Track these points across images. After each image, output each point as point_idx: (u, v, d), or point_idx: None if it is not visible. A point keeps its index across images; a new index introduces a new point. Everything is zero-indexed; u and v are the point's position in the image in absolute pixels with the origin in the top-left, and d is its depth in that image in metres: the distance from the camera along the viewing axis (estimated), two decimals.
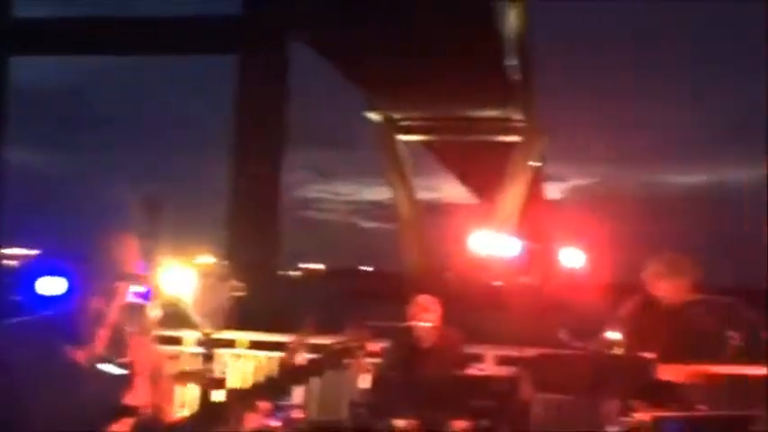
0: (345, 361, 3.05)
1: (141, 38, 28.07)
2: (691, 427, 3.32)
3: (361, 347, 3.10)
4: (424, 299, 5.37)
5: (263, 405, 2.96)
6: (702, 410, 3.41)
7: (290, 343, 3.11)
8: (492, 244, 5.14)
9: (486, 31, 34.72)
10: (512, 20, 43.27)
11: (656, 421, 3.45)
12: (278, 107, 27.80)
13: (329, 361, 3.03)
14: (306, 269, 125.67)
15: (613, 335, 3.80)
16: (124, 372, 2.29)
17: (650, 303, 4.32)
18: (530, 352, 5.08)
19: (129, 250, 2.34)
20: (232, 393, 3.03)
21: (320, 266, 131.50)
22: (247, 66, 27.24)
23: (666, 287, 4.29)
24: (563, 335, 3.95)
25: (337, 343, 3.06)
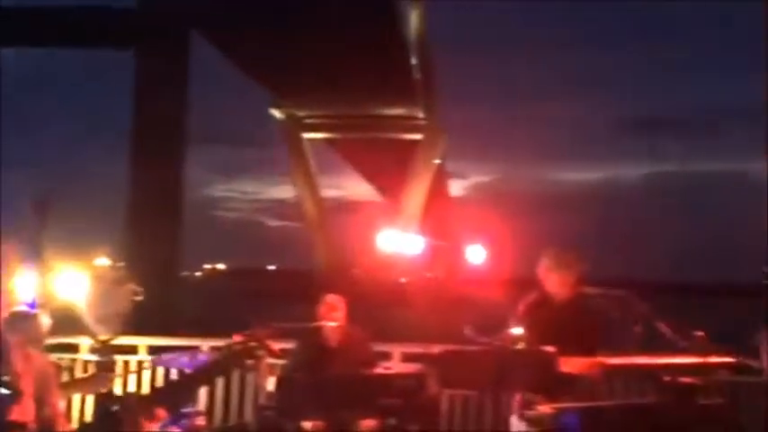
0: (248, 361, 2.95)
1: (35, 29, 26.74)
2: (589, 417, 3.42)
3: (263, 347, 3.00)
4: (331, 298, 5.32)
5: (161, 412, 2.83)
6: (601, 401, 3.52)
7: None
8: (398, 242, 5.15)
9: (388, 30, 34.93)
10: (413, 20, 43.77)
11: (557, 413, 3.54)
12: (179, 104, 27.08)
13: (230, 361, 2.93)
14: (209, 269, 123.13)
15: (517, 330, 3.87)
16: (6, 392, 2.13)
17: (546, 298, 4.43)
18: (435, 349, 5.12)
19: (6, 257, 2.17)
20: (129, 401, 2.89)
21: (222, 266, 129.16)
22: (146, 61, 26.38)
23: (554, 280, 4.41)
24: (468, 331, 4.00)
25: (237, 343, 2.96)
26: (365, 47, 33.06)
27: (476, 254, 4.94)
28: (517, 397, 3.88)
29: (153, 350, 6.71)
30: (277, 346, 4.69)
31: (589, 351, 3.99)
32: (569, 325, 4.18)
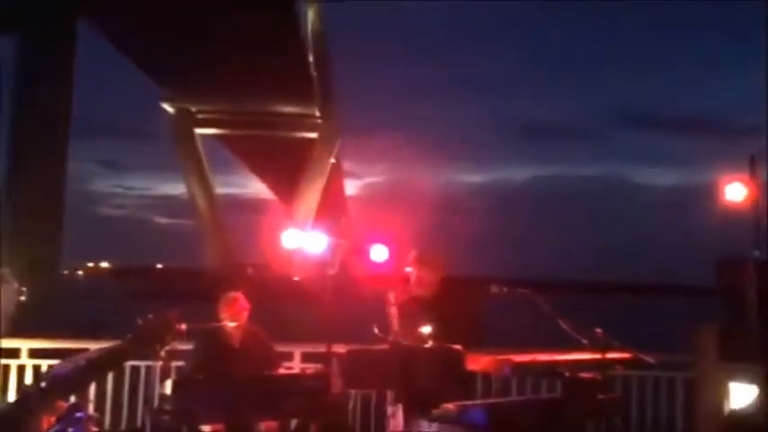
0: (156, 347, 2.75)
1: None
2: (496, 413, 3.46)
3: (172, 331, 2.81)
4: (232, 296, 5.17)
5: (61, 404, 2.66)
6: (507, 397, 3.56)
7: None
8: (301, 239, 5.07)
9: (286, 26, 34.60)
10: (311, 17, 43.56)
11: (462, 410, 3.56)
12: (62, 95, 25.79)
13: (136, 346, 2.73)
14: (91, 268, 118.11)
15: (425, 328, 3.88)
16: None
17: (415, 294, 4.47)
18: (339, 348, 5.07)
19: None
20: (27, 394, 2.67)
21: (106, 265, 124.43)
22: (26, 49, 24.93)
23: (418, 277, 4.47)
24: (377, 330, 3.98)
25: (143, 327, 2.76)
26: (261, 41, 32.61)
27: (378, 252, 4.91)
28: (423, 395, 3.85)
29: (35, 353, 6.33)
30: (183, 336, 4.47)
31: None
32: (437, 320, 4.17)
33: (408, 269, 4.54)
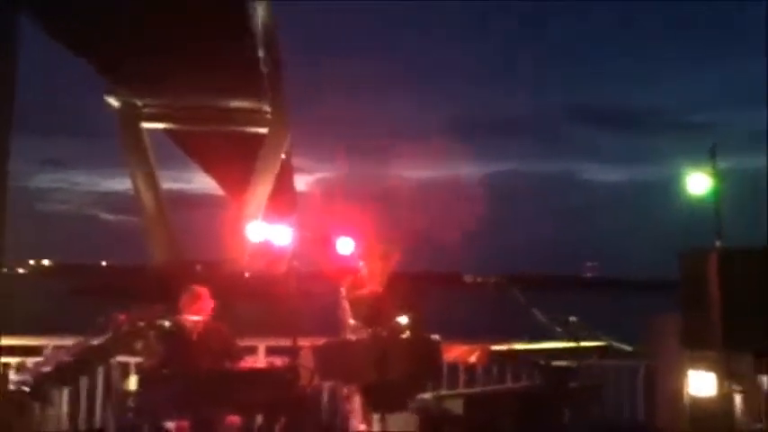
0: (137, 344, 2.68)
1: None
2: (472, 402, 3.45)
3: (153, 327, 2.73)
4: (196, 291, 5.04)
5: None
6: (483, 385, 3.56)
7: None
8: (266, 232, 4.98)
9: (235, 21, 34.13)
10: (261, 12, 43.07)
11: (439, 399, 3.54)
12: (3, 92, 24.92)
13: (118, 344, 2.65)
14: (33, 266, 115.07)
15: (402, 319, 3.83)
16: None
17: (364, 284, 4.42)
18: (304, 342, 5.00)
19: None
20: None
21: (48, 262, 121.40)
22: None
23: (368, 269, 4.42)
24: (354, 321, 3.92)
25: (124, 323, 2.68)
26: (211, 35, 32.10)
27: (345, 245, 4.85)
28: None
29: None
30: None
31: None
32: (381, 309, 4.14)
33: (360, 263, 4.46)
